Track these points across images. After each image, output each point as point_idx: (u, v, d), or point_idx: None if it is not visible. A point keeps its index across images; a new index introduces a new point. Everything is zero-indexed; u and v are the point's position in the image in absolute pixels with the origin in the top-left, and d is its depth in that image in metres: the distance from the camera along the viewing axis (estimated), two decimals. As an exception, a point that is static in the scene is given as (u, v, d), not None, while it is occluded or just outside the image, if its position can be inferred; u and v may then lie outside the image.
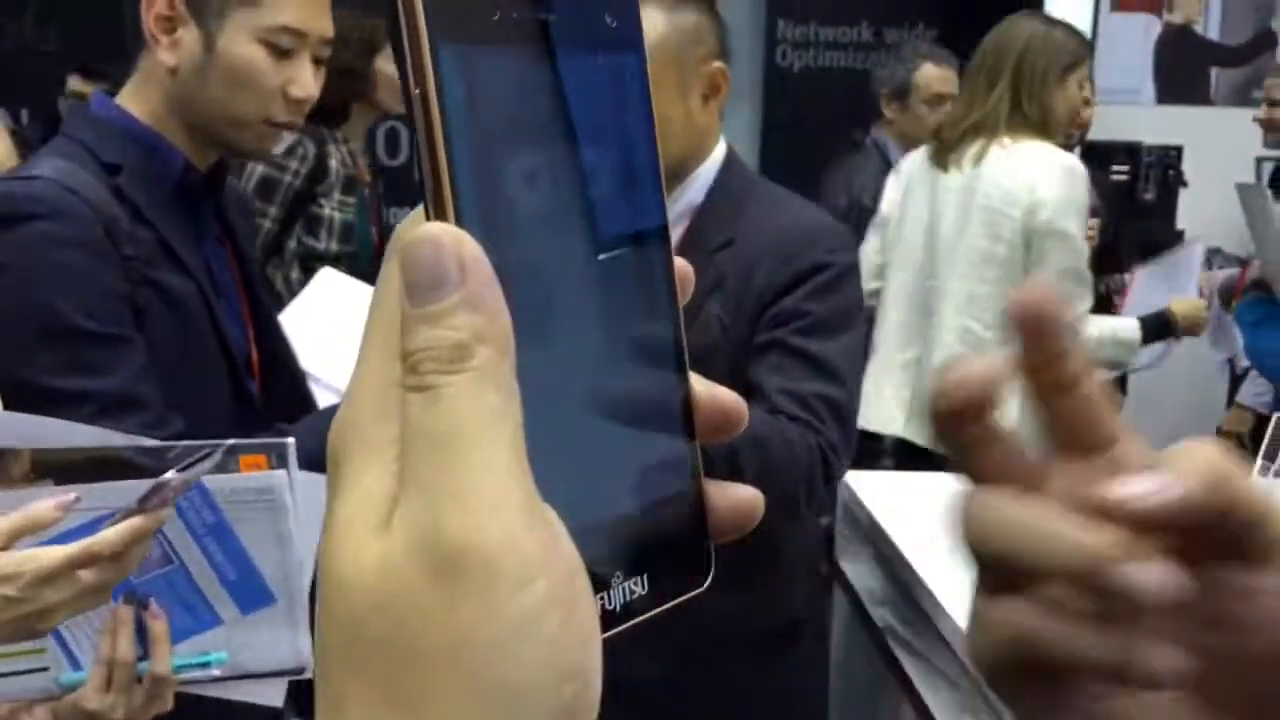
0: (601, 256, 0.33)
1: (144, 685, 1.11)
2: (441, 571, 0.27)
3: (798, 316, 1.52)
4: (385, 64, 2.92)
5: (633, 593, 0.32)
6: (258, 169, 2.82)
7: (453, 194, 0.29)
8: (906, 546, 1.83)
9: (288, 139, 2.84)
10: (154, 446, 1.11)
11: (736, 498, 0.35)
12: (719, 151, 1.62)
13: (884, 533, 1.91)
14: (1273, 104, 3.56)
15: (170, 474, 1.07)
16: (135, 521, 1.00)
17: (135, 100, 1.35)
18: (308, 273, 2.89)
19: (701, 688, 1.62)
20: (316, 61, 1.36)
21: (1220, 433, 3.61)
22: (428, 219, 0.30)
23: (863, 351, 1.59)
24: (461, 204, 0.29)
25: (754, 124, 4.63)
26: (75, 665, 1.14)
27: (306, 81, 1.34)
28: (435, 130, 0.29)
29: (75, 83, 3.37)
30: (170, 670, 1.13)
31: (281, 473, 1.16)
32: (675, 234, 1.57)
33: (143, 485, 1.07)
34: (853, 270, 1.58)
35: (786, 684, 1.70)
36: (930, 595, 1.68)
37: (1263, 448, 1.90)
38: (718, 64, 1.57)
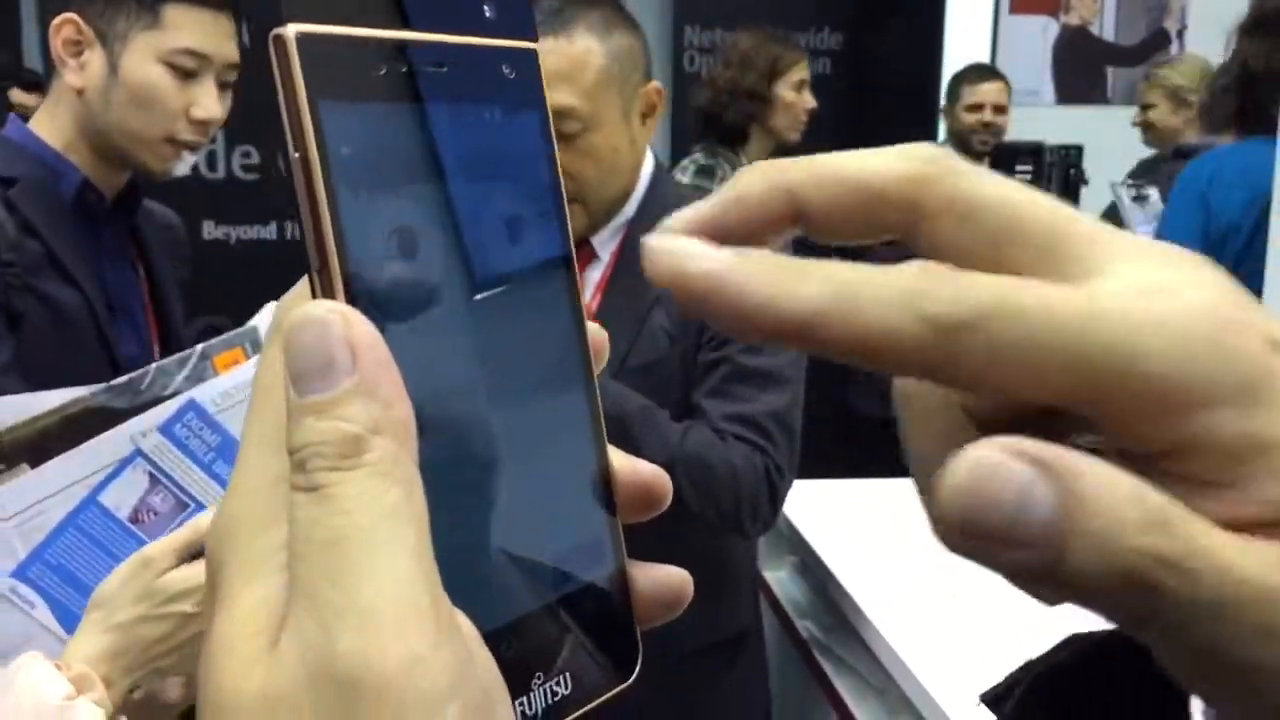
0: (509, 325, 0.30)
1: None
2: (336, 701, 0.24)
3: None
4: (785, 90, 2.95)
5: (555, 694, 0.29)
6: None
7: (341, 267, 0.26)
8: (828, 555, 1.83)
9: (699, 158, 2.84)
10: (122, 382, 1.05)
11: (663, 579, 0.32)
12: (648, 163, 1.63)
13: (805, 541, 1.91)
14: (1145, 107, 3.67)
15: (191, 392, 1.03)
16: None
17: (46, 123, 1.41)
18: None
19: (654, 699, 1.62)
20: (223, 86, 1.41)
21: None
22: (313, 296, 0.27)
23: (804, 360, 1.58)
24: (351, 278, 0.26)
25: (663, 128, 4.63)
26: None
27: (209, 103, 1.38)
28: (318, 197, 0.26)
29: (18, 95, 3.32)
30: None
31: None
32: (611, 246, 1.57)
33: (143, 421, 1.01)
34: None
35: (735, 691, 1.70)
36: (853, 603, 1.68)
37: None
38: (653, 84, 1.58)
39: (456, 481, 0.28)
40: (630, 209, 1.59)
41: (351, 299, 0.26)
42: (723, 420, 1.50)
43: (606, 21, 1.53)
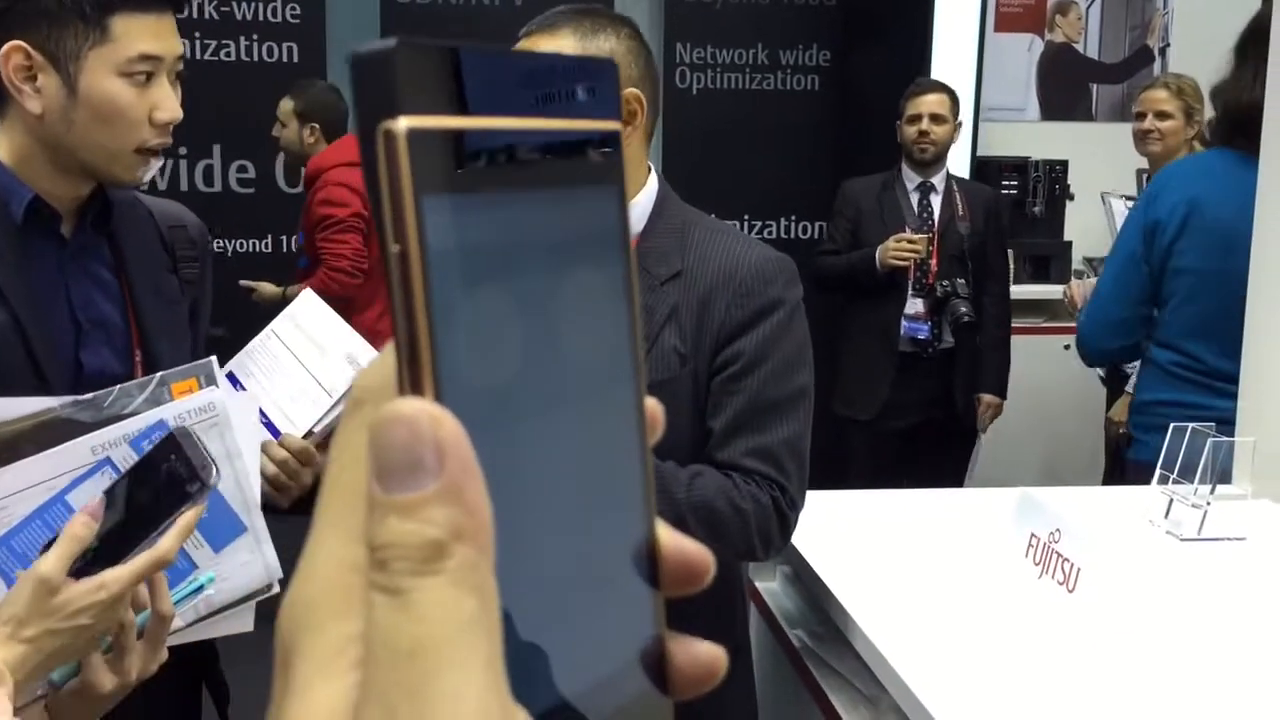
0: (582, 416, 0.30)
1: (146, 636, 1.14)
2: None
3: (762, 360, 1.52)
4: None
5: None
6: None
7: (432, 365, 0.26)
8: (819, 564, 1.85)
9: None
10: (87, 398, 1.16)
11: (698, 655, 0.32)
12: (651, 182, 1.61)
13: (797, 552, 1.93)
14: (1141, 116, 3.73)
15: (162, 416, 1.15)
16: (186, 519, 1.09)
17: (2, 141, 1.38)
18: None
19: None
20: (173, 80, 1.38)
21: (1110, 421, 3.73)
22: (400, 390, 0.27)
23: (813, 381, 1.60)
24: (441, 376, 0.26)
25: (655, 143, 4.66)
26: None
27: (171, 105, 1.36)
28: (415, 294, 0.26)
29: None
30: (173, 608, 1.17)
31: (215, 388, 1.23)
32: None
33: (104, 435, 1.14)
34: (801, 304, 1.59)
35: (723, 702, 1.71)
36: (843, 612, 1.70)
37: (1160, 458, 1.97)
38: (630, 90, 1.53)
39: (524, 576, 0.28)
40: (637, 223, 1.58)
41: (438, 397, 0.26)
42: (747, 455, 1.51)
43: (595, 27, 1.54)
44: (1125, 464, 2.68)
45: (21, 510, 1.13)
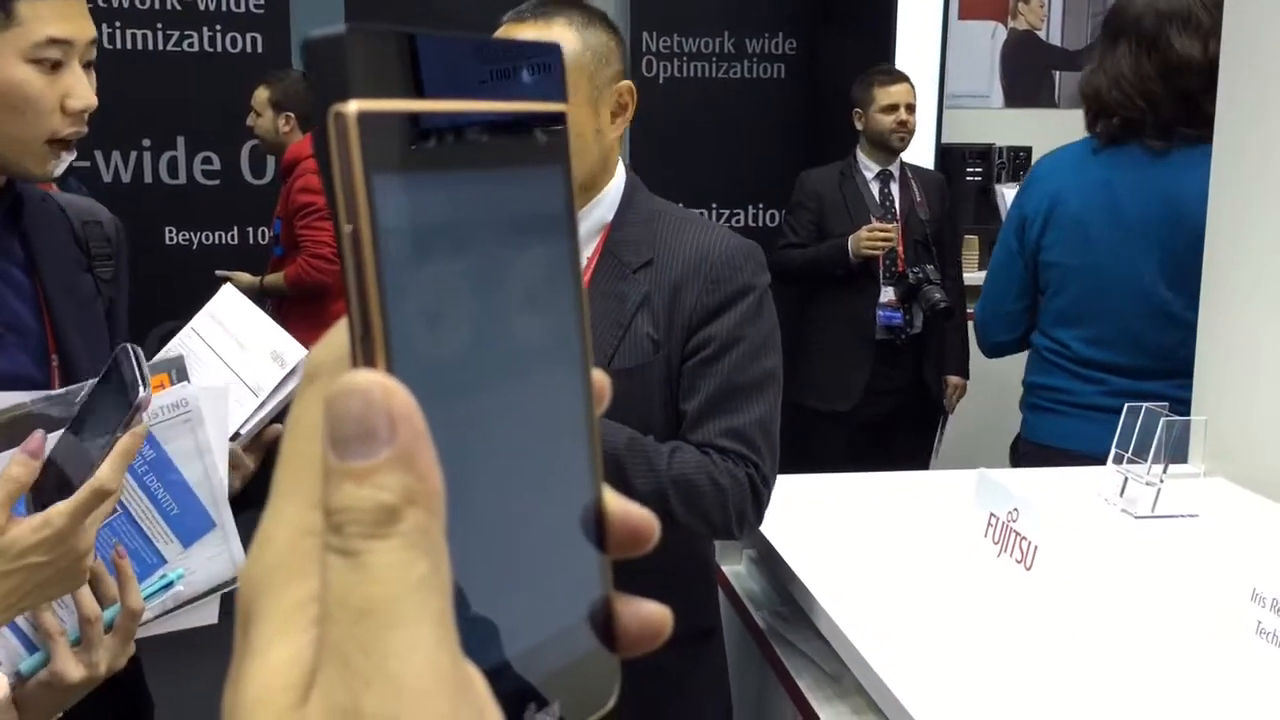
0: (528, 385, 0.32)
1: (116, 630, 1.13)
2: None
3: (733, 344, 1.55)
4: None
5: None
6: None
7: (384, 339, 0.27)
8: (783, 546, 1.88)
9: None
10: (59, 394, 1.14)
11: (645, 615, 0.34)
12: (620, 173, 1.65)
13: (762, 535, 1.95)
14: None
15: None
16: (123, 445, 1.04)
17: None
18: None
19: (632, 680, 1.65)
20: (87, 66, 1.30)
21: None
22: (353, 363, 0.28)
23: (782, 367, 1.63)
24: (392, 349, 0.28)
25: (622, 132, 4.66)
26: (31, 649, 1.13)
27: (84, 91, 1.28)
28: (367, 272, 0.27)
29: None
30: (143, 603, 1.15)
31: (187, 384, 1.22)
32: (587, 251, 1.60)
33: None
34: (768, 290, 1.62)
35: (700, 686, 1.73)
36: (807, 593, 1.73)
37: (1116, 435, 2.00)
38: (625, 82, 1.59)
39: (472, 538, 0.29)
40: (606, 213, 1.61)
41: (390, 369, 0.27)
42: (721, 435, 1.54)
43: (586, 19, 1.58)
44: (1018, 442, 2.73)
45: None
